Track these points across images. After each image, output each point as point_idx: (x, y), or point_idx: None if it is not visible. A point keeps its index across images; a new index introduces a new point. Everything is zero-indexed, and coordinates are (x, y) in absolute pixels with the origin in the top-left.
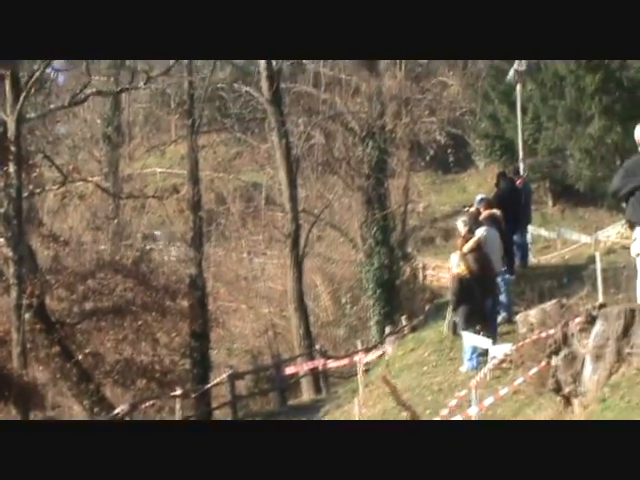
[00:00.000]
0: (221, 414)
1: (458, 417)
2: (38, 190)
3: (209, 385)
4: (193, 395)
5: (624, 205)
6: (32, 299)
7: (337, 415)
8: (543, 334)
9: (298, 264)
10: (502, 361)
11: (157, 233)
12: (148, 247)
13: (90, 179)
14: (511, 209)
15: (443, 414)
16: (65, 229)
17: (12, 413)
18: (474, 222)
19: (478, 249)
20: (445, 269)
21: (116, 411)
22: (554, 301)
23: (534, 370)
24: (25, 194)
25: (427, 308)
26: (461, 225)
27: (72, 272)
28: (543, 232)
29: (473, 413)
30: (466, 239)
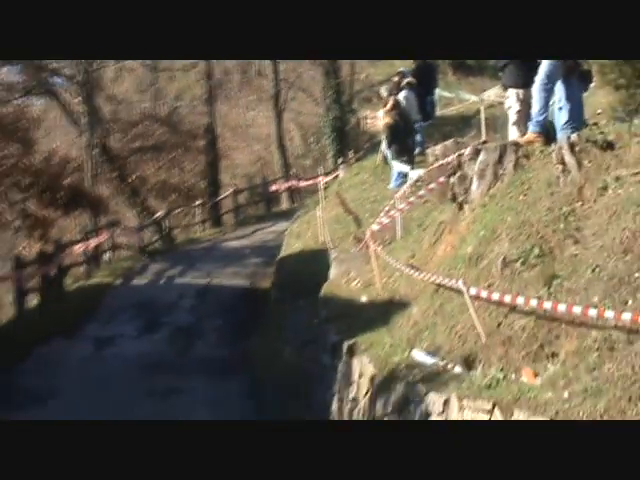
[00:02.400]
0: (227, 217)
1: (385, 220)
2: (101, 65)
3: (219, 198)
4: (208, 204)
5: (500, 73)
6: (98, 140)
7: (305, 218)
8: (444, 162)
9: (279, 115)
10: (416, 181)
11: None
12: (177, 104)
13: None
14: (425, 78)
15: (380, 218)
16: (120, 92)
17: (86, 217)
18: (396, 88)
19: (397, 107)
20: (378, 119)
21: (156, 215)
22: (452, 140)
23: (433, 185)
24: (92, 68)
25: (366, 146)
26: (384, 91)
27: (125, 121)
28: (445, 94)
29: (397, 215)
30: (386, 100)
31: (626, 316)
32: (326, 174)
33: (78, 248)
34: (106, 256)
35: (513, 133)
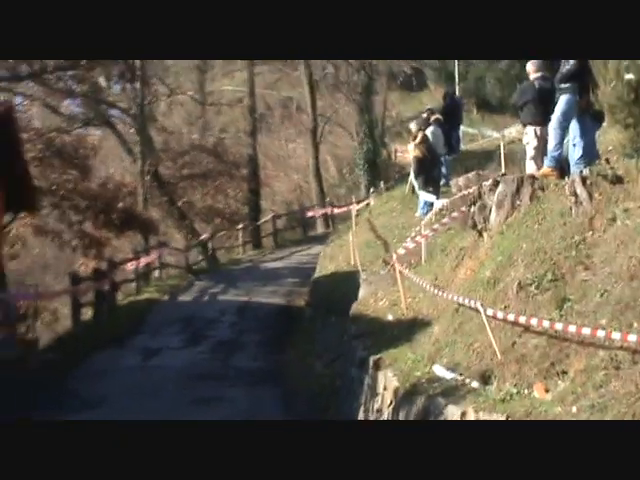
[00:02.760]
0: (266, 240)
1: (411, 245)
2: (154, 99)
3: (260, 222)
4: (250, 228)
5: (519, 112)
6: (150, 167)
7: (338, 242)
8: (466, 192)
9: (316, 148)
10: (440, 209)
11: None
12: (222, 136)
13: (187, 93)
14: (451, 115)
15: (406, 243)
16: (171, 124)
17: (138, 237)
18: (424, 123)
19: (425, 141)
20: (408, 152)
21: (201, 237)
22: (474, 172)
23: (456, 214)
24: (146, 101)
25: (396, 177)
26: (413, 126)
27: (175, 151)
28: (470, 130)
29: (422, 240)
30: (415, 135)
31: (632, 337)
32: (358, 202)
33: (130, 266)
34: (155, 274)
35: (530, 167)
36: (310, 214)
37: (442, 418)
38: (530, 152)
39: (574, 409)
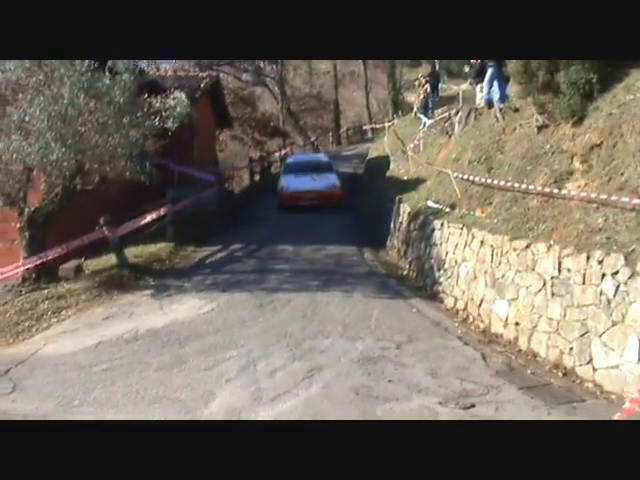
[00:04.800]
0: (343, 141)
1: (416, 142)
2: (287, 70)
3: (340, 131)
4: (334, 135)
5: (470, 77)
6: (285, 105)
7: (379, 141)
8: (443, 116)
9: (367, 95)
10: (430, 126)
11: None
12: (320, 89)
13: (302, 68)
14: (436, 77)
15: (413, 142)
16: (295, 84)
17: (280, 140)
18: (424, 81)
19: (425, 89)
20: (413, 96)
21: (311, 139)
22: (446, 106)
23: (438, 127)
24: (283, 72)
25: (406, 109)
26: (422, 78)
27: (297, 97)
28: (444, 86)
29: (421, 140)
30: (420, 83)
31: (523, 186)
32: (388, 122)
33: (276, 154)
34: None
35: (475, 103)
36: (365, 128)
37: (431, 226)
38: (477, 95)
39: (495, 220)
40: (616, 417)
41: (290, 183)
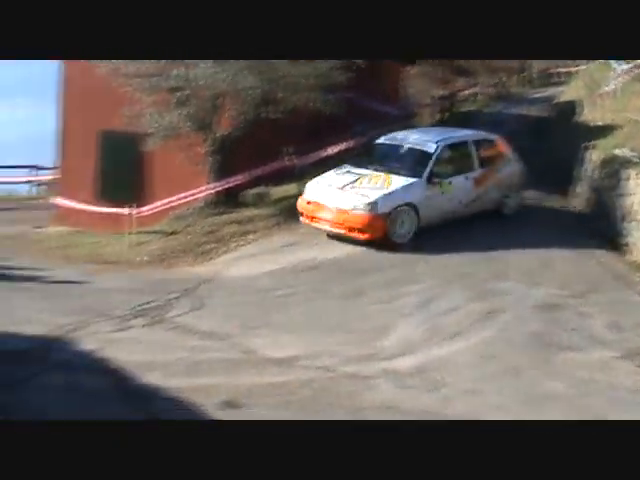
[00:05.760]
0: None
1: None
2: None
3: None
4: None
5: None
6: None
7: (564, 90)
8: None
9: None
10: (625, 71)
11: None
12: None
13: None
14: None
15: None
16: None
17: None
18: None
19: None
20: None
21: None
22: None
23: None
24: None
25: None
26: None
27: None
28: None
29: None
30: None
31: None
32: (577, 66)
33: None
34: None
35: None
36: (552, 71)
37: (622, 177)
38: None
39: None
40: None
41: (310, 187)
